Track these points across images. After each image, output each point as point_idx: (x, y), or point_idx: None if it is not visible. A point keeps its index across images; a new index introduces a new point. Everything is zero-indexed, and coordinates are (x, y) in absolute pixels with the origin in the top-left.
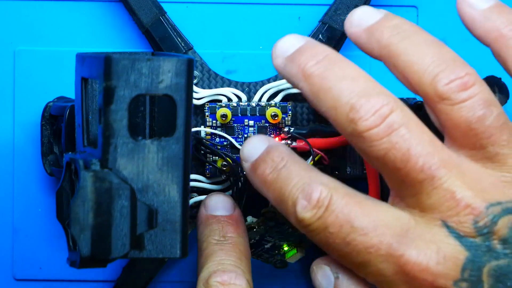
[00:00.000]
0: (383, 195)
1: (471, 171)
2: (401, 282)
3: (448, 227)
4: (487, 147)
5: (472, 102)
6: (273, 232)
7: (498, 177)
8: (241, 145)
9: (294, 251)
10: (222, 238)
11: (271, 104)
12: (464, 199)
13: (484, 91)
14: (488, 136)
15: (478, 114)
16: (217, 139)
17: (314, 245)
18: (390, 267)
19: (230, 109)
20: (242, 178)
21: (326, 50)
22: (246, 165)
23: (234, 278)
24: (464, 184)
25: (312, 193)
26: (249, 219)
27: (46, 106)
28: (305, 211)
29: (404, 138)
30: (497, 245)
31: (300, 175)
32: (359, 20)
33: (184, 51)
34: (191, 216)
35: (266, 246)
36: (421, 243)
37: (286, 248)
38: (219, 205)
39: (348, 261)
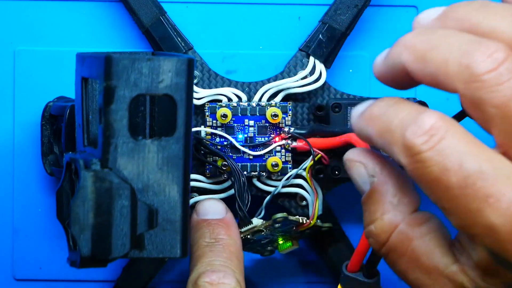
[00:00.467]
0: None
1: None
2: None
3: None
4: None
5: None
6: (278, 232)
7: None
8: (241, 145)
9: (289, 243)
10: (212, 240)
11: (271, 104)
12: None
13: None
14: None
15: None
16: (217, 139)
17: (307, 237)
18: (507, 223)
19: (230, 109)
20: (243, 179)
21: (416, 30)
22: (355, 114)
23: (223, 277)
24: None
25: (425, 120)
26: (255, 221)
27: (46, 106)
28: (416, 136)
29: None
30: None
31: (411, 107)
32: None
33: (184, 51)
34: (191, 216)
35: (262, 242)
36: None
37: (281, 242)
38: (210, 209)
39: (452, 205)
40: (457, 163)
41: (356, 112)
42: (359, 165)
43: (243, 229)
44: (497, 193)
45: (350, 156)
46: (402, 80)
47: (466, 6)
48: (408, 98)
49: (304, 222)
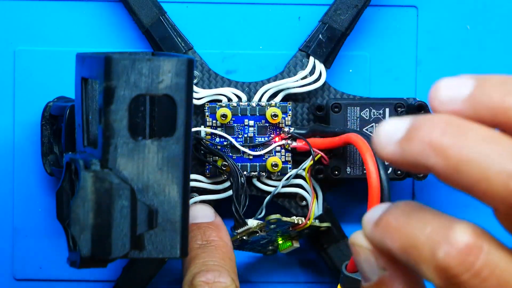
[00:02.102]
0: (382, 196)
1: None
2: None
3: None
4: None
5: None
6: (276, 232)
7: None
8: (241, 145)
9: (289, 243)
10: (204, 242)
11: (271, 104)
12: None
13: None
14: None
15: None
16: (217, 139)
17: (307, 237)
18: None
19: (230, 109)
20: (242, 179)
21: (442, 117)
22: (368, 222)
23: (218, 276)
24: None
25: (458, 237)
26: (250, 222)
27: (46, 106)
28: (450, 257)
29: None
30: None
31: (436, 219)
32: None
33: (184, 51)
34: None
35: (261, 242)
36: None
37: (280, 242)
38: (198, 214)
39: None
40: (497, 283)
41: (368, 220)
42: (369, 253)
43: (239, 231)
44: None
45: (359, 241)
46: (418, 171)
47: (501, 84)
48: (408, 98)
49: (300, 222)
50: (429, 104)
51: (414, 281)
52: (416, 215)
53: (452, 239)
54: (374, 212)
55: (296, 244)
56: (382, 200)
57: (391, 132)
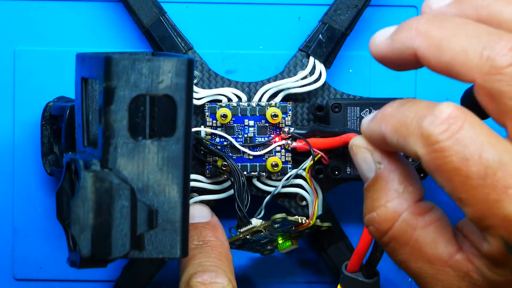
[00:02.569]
0: None
1: None
2: None
3: None
4: None
5: None
6: (277, 232)
7: None
8: (241, 145)
9: (289, 243)
10: (201, 242)
11: (271, 104)
12: None
13: None
14: None
15: None
16: (217, 139)
17: (307, 237)
18: None
19: (230, 109)
20: (243, 179)
21: (428, 14)
22: (366, 119)
23: (215, 277)
24: None
25: (442, 109)
26: (254, 221)
27: (46, 106)
28: (434, 125)
29: None
30: None
31: (425, 101)
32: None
33: (184, 51)
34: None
35: (262, 242)
36: None
37: (280, 241)
38: (195, 214)
39: (470, 195)
40: (477, 153)
41: (367, 118)
42: (366, 151)
43: (242, 230)
44: None
45: (357, 142)
46: (406, 63)
47: None
48: (394, 98)
49: (303, 222)
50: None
51: (407, 172)
52: (409, 102)
53: (436, 111)
54: (373, 112)
55: (296, 244)
56: None
57: (383, 32)
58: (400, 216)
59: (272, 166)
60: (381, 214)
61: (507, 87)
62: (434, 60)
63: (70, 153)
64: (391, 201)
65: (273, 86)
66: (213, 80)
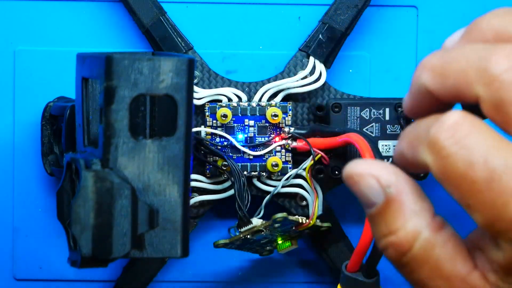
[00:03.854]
0: None
1: None
2: None
3: None
4: None
5: None
6: (277, 231)
7: None
8: (241, 145)
9: (288, 243)
10: None
11: (271, 104)
12: None
13: None
14: None
15: None
16: (217, 139)
17: (307, 237)
18: None
19: (230, 109)
20: (243, 179)
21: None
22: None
23: None
24: None
25: (448, 117)
26: (255, 221)
27: (46, 106)
28: (440, 132)
29: None
30: None
31: (433, 115)
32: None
33: (184, 51)
34: (191, 216)
35: (262, 242)
36: None
37: (280, 242)
38: None
39: (478, 200)
40: (482, 158)
41: (397, 146)
42: (370, 178)
43: (243, 229)
44: None
45: (358, 170)
46: (430, 107)
47: (489, 16)
48: (394, 98)
49: (304, 222)
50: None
51: (416, 187)
52: (422, 119)
53: (442, 118)
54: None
55: (295, 245)
56: None
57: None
58: (420, 234)
59: (272, 166)
60: (401, 236)
61: (507, 92)
62: (441, 89)
63: (70, 153)
64: (409, 221)
65: (273, 86)
66: (213, 80)
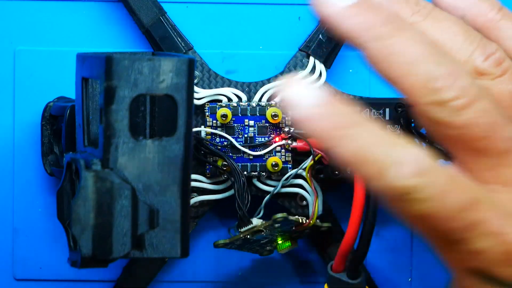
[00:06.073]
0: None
1: None
2: (504, 264)
3: None
4: None
5: (509, 75)
6: (277, 231)
7: None
8: (241, 145)
9: (288, 243)
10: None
11: (271, 104)
12: None
13: None
14: None
15: None
16: (217, 139)
17: (307, 237)
18: (494, 245)
19: (230, 109)
20: (243, 179)
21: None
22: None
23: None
24: None
25: (405, 165)
26: (255, 221)
27: (46, 106)
28: (405, 179)
29: (488, 109)
30: None
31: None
32: None
33: (184, 51)
34: (191, 216)
35: (262, 242)
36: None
37: (280, 242)
38: None
39: (443, 236)
40: (445, 210)
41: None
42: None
43: (243, 229)
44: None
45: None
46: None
47: None
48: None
49: (304, 222)
50: None
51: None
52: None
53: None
54: None
55: (295, 245)
56: None
57: None
58: None
59: (272, 166)
60: None
61: (451, 117)
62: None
63: (70, 153)
64: None
65: (273, 86)
66: (213, 80)
